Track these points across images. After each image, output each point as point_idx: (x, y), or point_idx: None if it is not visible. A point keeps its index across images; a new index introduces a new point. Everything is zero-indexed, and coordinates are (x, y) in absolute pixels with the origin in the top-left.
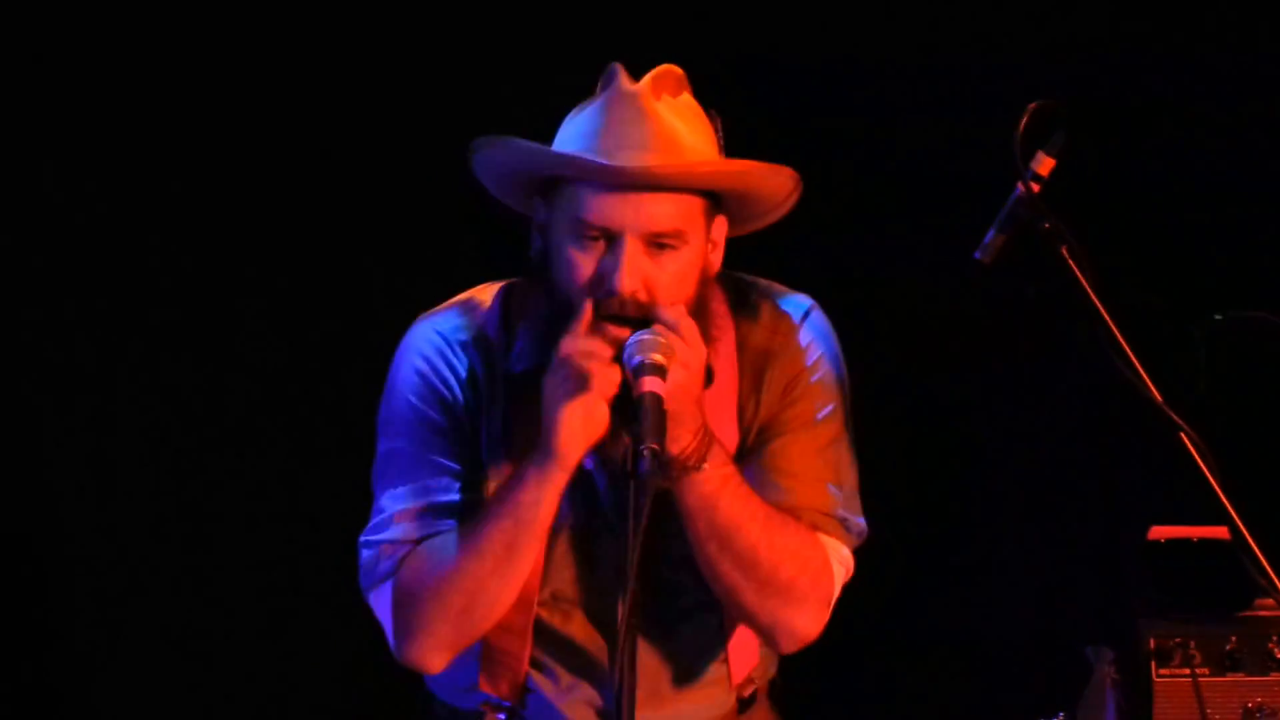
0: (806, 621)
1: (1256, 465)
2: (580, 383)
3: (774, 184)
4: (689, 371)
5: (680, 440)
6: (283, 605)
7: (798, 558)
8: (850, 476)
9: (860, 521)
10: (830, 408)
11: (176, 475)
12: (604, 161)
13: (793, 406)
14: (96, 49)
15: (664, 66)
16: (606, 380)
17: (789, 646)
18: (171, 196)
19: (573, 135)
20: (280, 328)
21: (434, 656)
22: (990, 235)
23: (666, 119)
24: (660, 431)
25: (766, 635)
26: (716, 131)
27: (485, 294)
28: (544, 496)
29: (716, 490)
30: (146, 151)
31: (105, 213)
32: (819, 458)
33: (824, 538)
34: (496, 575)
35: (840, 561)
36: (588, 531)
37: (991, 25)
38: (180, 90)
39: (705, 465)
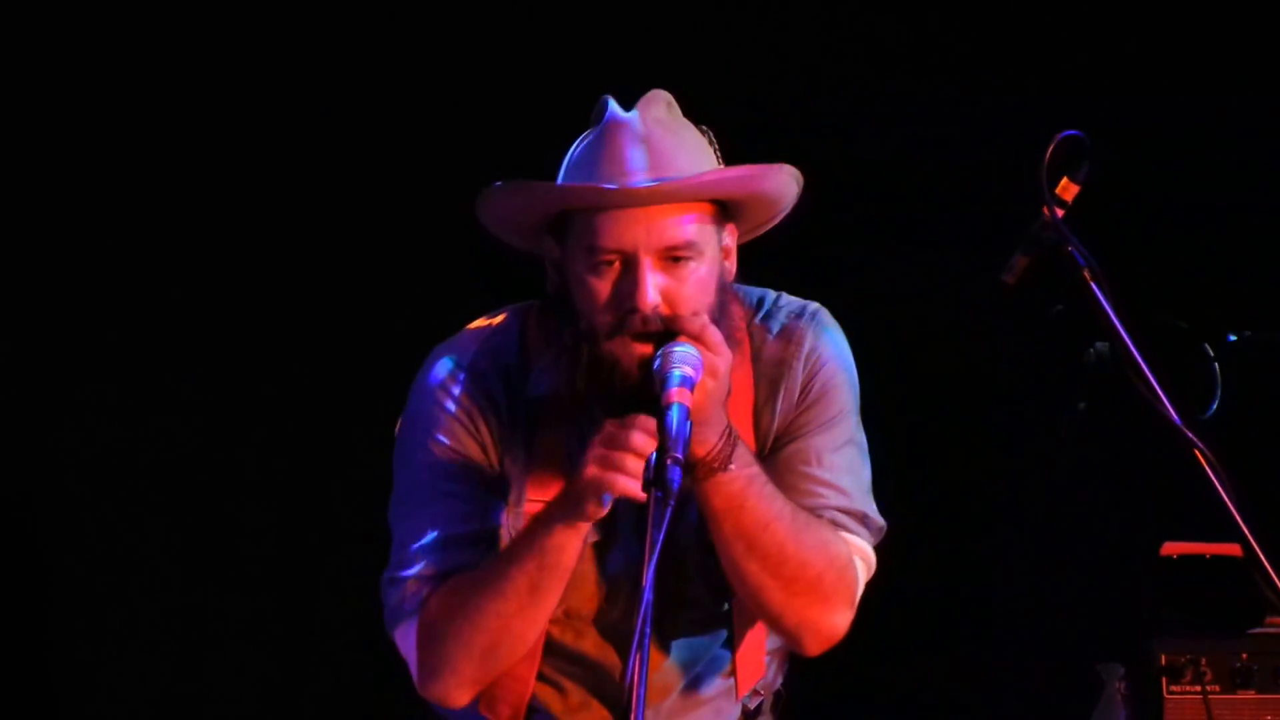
0: (834, 619)
1: (1270, 483)
2: (614, 471)
3: (776, 183)
4: (716, 378)
5: (707, 442)
6: (282, 612)
7: (824, 555)
8: (865, 475)
9: (879, 519)
10: (844, 409)
11: (173, 474)
12: (609, 185)
13: (809, 409)
14: (97, 54)
15: (652, 91)
16: (634, 471)
17: (816, 647)
18: (177, 207)
19: (574, 169)
20: (280, 330)
21: (459, 694)
22: (1014, 257)
23: (663, 138)
24: (685, 442)
25: (794, 636)
26: (712, 144)
27: (500, 320)
28: (569, 542)
29: (743, 490)
30: (156, 167)
31: (99, 216)
32: (837, 457)
33: (846, 535)
34: (521, 616)
35: (863, 558)
36: (604, 547)
37: (1021, 51)
38: (193, 103)
39: (732, 466)
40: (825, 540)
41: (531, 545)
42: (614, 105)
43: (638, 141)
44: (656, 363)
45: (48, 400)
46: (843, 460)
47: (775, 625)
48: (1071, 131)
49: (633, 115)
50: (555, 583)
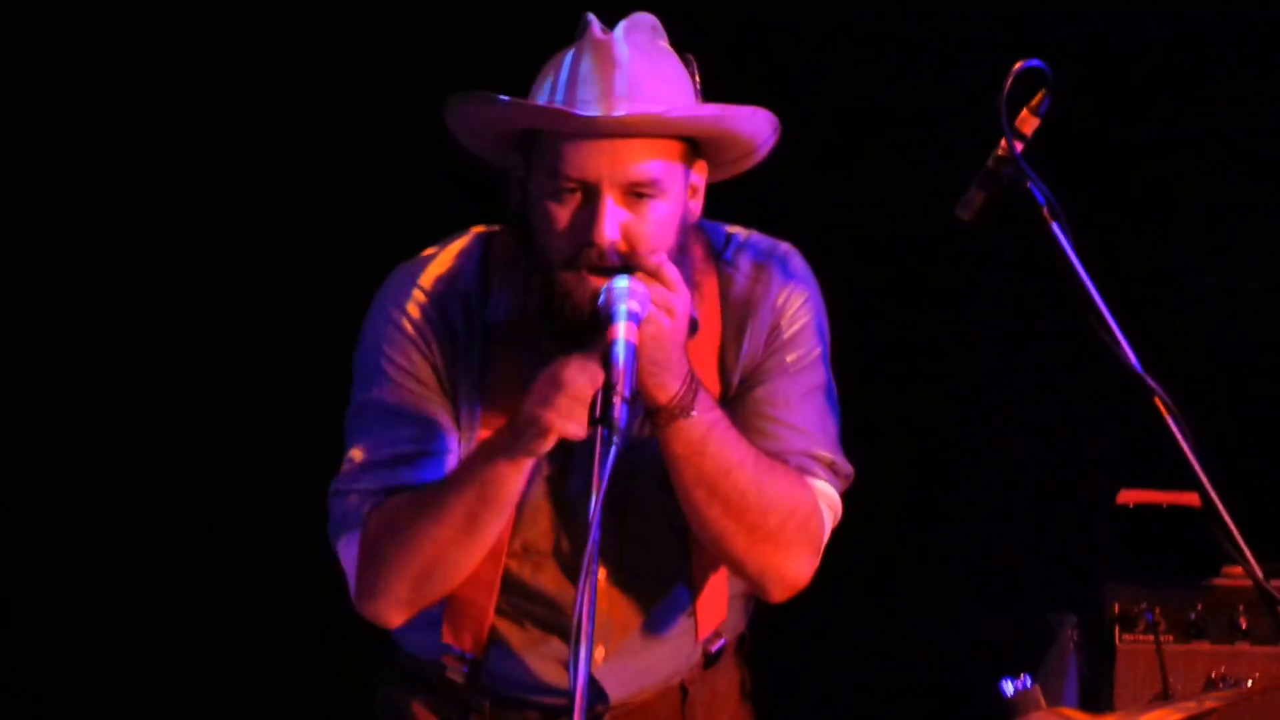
0: (797, 567)
1: (1230, 432)
2: (560, 412)
3: (751, 126)
4: (672, 317)
5: (668, 387)
6: (245, 549)
7: (787, 502)
8: (834, 421)
9: (847, 465)
10: (813, 353)
11: (132, 449)
12: (578, 113)
13: (776, 353)
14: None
15: (637, 14)
16: (579, 418)
17: (780, 594)
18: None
19: (547, 87)
20: (242, 299)
21: (392, 613)
22: (971, 192)
23: (641, 67)
24: (631, 379)
25: (756, 582)
26: (693, 76)
27: (463, 242)
28: (511, 473)
29: (704, 435)
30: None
31: (57, 202)
32: (805, 402)
33: (812, 481)
34: (457, 545)
35: (829, 505)
36: (562, 483)
37: None
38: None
39: (693, 412)
40: (789, 487)
41: (472, 475)
42: (596, 25)
43: (615, 67)
44: (601, 298)
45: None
46: (811, 405)
47: (738, 571)
48: (1032, 62)
49: (614, 38)
50: (493, 515)
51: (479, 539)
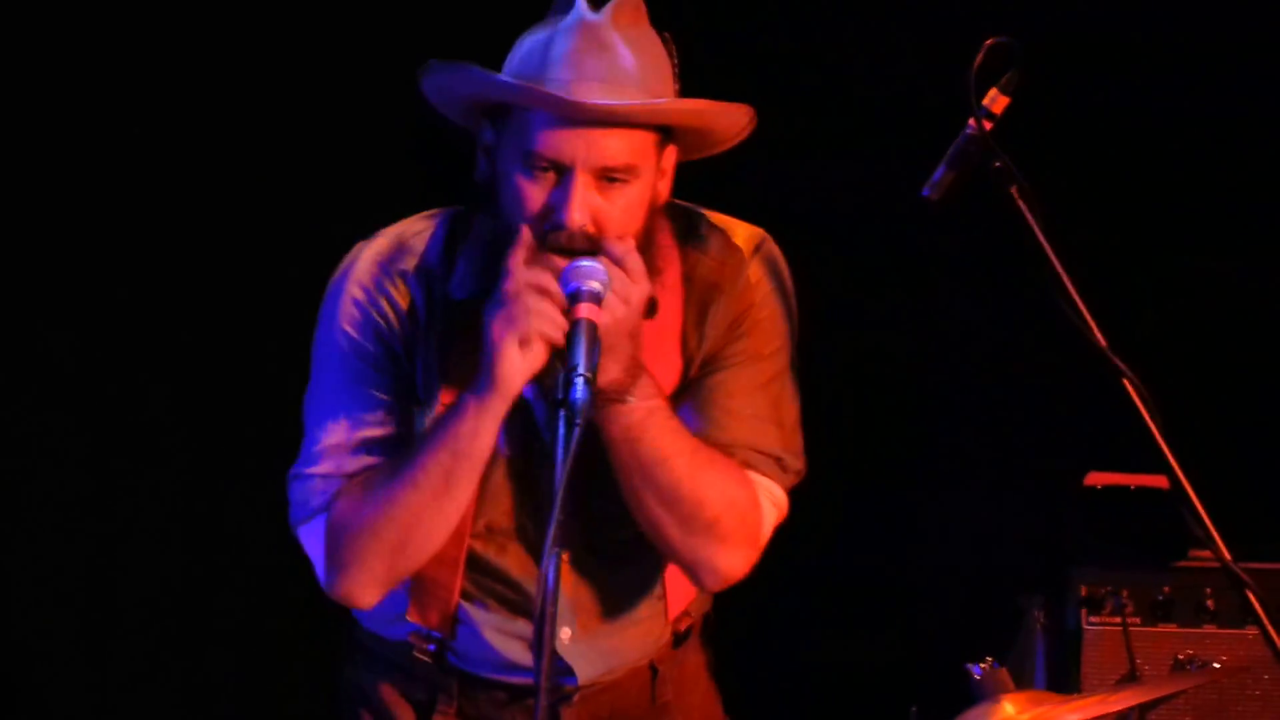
0: (731, 560)
1: (1198, 414)
2: (524, 314)
3: (731, 120)
4: (628, 306)
5: (609, 372)
6: (206, 533)
7: (724, 495)
8: (792, 415)
9: (798, 462)
10: (777, 343)
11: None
12: (561, 95)
13: (738, 341)
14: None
15: None
16: (549, 313)
17: (713, 585)
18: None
19: (527, 61)
20: (208, 281)
21: (367, 592)
22: (940, 172)
23: (625, 52)
24: (593, 359)
25: (690, 572)
26: (672, 60)
27: (427, 220)
28: (482, 427)
29: (642, 422)
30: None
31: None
32: (761, 394)
33: (756, 476)
34: (433, 507)
35: (773, 501)
36: (525, 462)
37: None
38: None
39: (632, 398)
40: (729, 480)
41: (444, 433)
42: (582, 1)
43: (599, 50)
44: (564, 277)
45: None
46: (766, 398)
47: (673, 559)
48: (1002, 38)
49: (601, 18)
50: (468, 472)
51: (455, 500)
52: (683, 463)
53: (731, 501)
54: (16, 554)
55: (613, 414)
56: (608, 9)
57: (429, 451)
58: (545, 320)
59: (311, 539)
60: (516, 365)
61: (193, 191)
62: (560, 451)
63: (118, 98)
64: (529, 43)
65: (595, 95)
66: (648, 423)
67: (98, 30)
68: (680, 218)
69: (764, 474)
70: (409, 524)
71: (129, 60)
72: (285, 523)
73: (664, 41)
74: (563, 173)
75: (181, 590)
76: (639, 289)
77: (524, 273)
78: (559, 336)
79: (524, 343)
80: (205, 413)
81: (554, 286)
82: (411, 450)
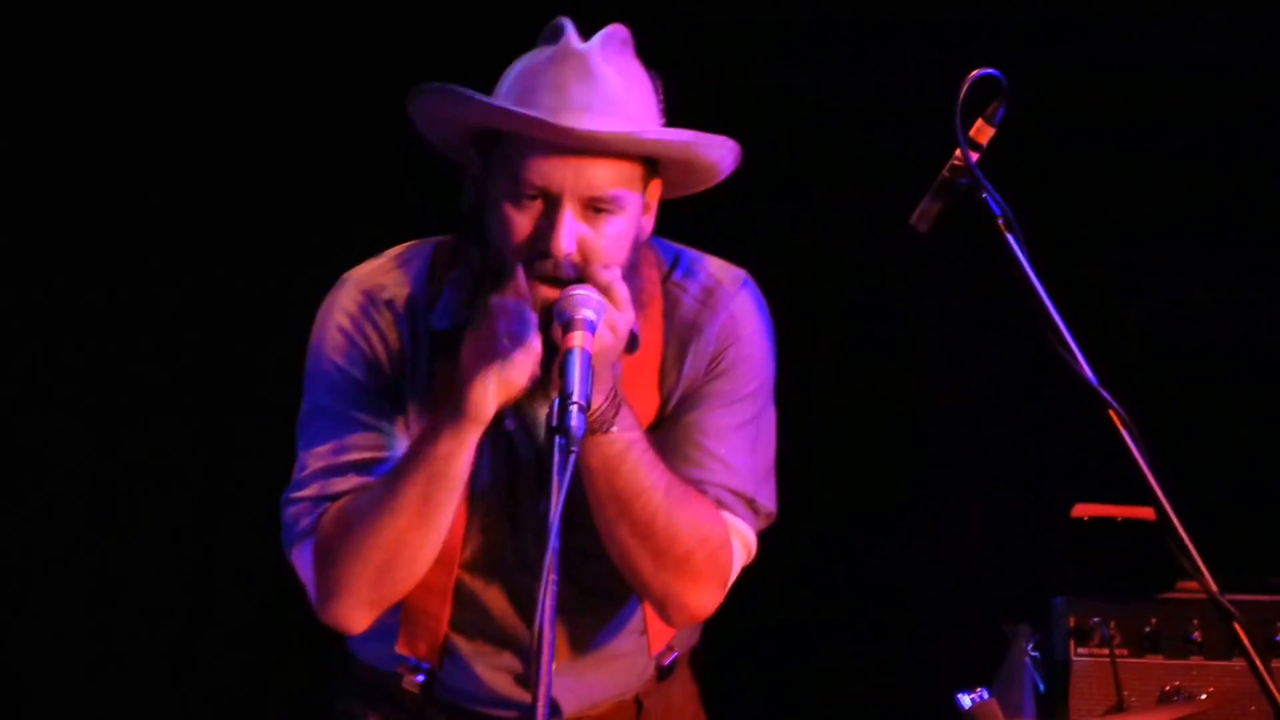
0: (699, 598)
1: (1184, 446)
2: (501, 341)
3: (717, 155)
4: (614, 335)
5: (593, 400)
6: (203, 560)
7: (697, 532)
8: (766, 457)
9: (769, 504)
10: (754, 385)
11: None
12: (551, 121)
13: (716, 380)
14: None
15: (613, 26)
16: (528, 344)
17: (680, 621)
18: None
19: (515, 88)
20: (201, 291)
21: (355, 615)
22: (926, 203)
23: (613, 82)
24: (586, 387)
25: (659, 607)
26: (658, 94)
27: (413, 250)
28: (457, 450)
29: (620, 454)
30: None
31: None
32: (736, 434)
33: (728, 515)
34: (414, 530)
35: (743, 543)
36: (511, 495)
37: None
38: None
39: (612, 428)
40: (701, 518)
41: (420, 457)
42: (572, 32)
43: (588, 79)
44: (559, 305)
45: None
46: (741, 439)
47: (642, 593)
48: (987, 70)
49: (590, 49)
50: (445, 495)
51: (435, 523)
52: (659, 496)
53: (704, 538)
54: (15, 556)
55: (593, 444)
56: (596, 40)
57: (406, 475)
58: (520, 341)
59: (302, 562)
60: (490, 390)
61: (196, 201)
62: (557, 477)
63: (118, 107)
64: (517, 70)
65: (583, 122)
66: (626, 455)
67: (99, 37)
68: (663, 254)
69: (736, 514)
70: (392, 547)
71: (126, 81)
72: (279, 550)
73: (652, 78)
74: (550, 201)
75: (174, 618)
76: (625, 318)
77: (504, 299)
78: (526, 374)
79: (499, 365)
80: (208, 425)
81: (529, 312)
82: (390, 475)
